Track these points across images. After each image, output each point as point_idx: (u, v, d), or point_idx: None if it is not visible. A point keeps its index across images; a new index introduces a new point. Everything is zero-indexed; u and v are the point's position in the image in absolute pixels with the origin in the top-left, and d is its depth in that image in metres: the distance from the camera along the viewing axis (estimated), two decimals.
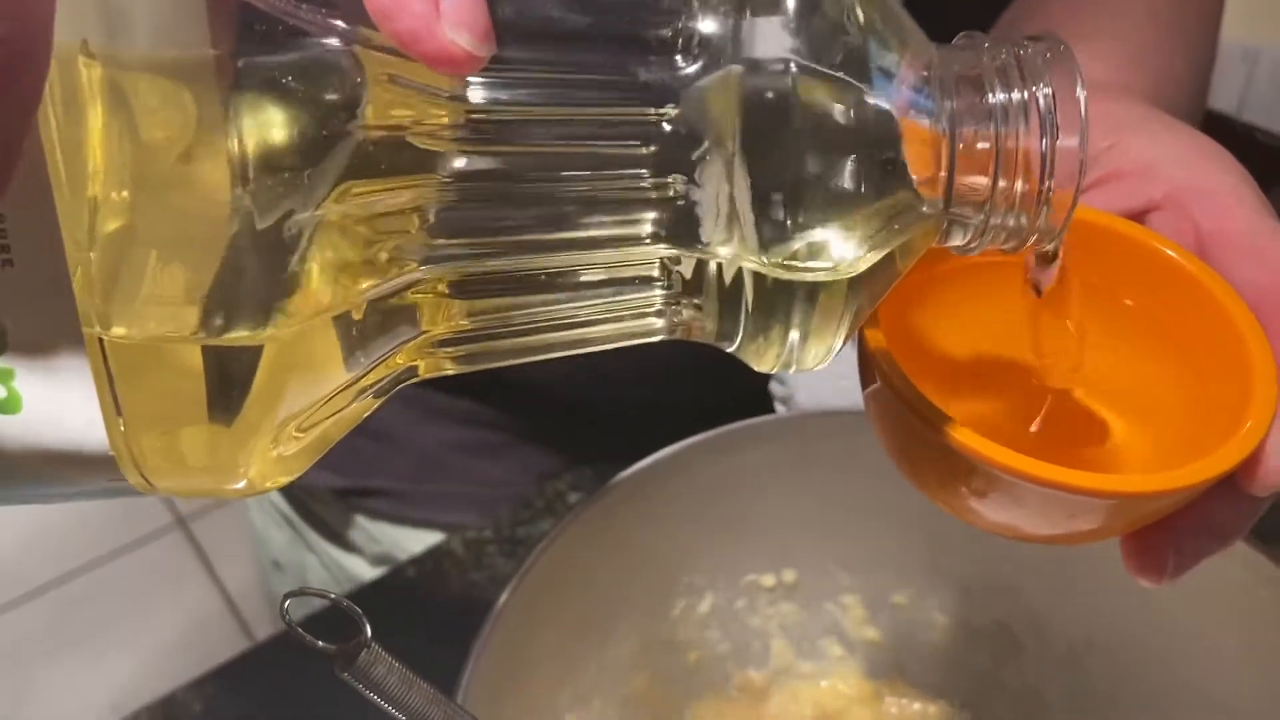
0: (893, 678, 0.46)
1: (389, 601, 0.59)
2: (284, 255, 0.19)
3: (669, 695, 0.45)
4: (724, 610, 0.45)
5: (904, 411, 0.26)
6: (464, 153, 0.20)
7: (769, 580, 0.45)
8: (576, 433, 0.62)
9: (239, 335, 0.19)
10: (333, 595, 0.30)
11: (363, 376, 0.22)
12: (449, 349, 0.23)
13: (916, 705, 0.46)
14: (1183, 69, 0.44)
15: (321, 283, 0.19)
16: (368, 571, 0.65)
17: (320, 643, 0.29)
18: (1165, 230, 0.29)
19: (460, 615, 0.43)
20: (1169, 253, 0.28)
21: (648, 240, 0.22)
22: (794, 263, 0.21)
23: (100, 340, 0.18)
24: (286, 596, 0.29)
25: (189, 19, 0.18)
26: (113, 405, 0.19)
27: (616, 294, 0.23)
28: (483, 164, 0.21)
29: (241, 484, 0.22)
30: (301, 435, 0.22)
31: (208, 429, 0.20)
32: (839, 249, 0.21)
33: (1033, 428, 0.30)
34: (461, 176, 0.20)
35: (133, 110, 0.18)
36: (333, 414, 0.22)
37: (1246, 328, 0.26)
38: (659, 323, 0.24)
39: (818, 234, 0.21)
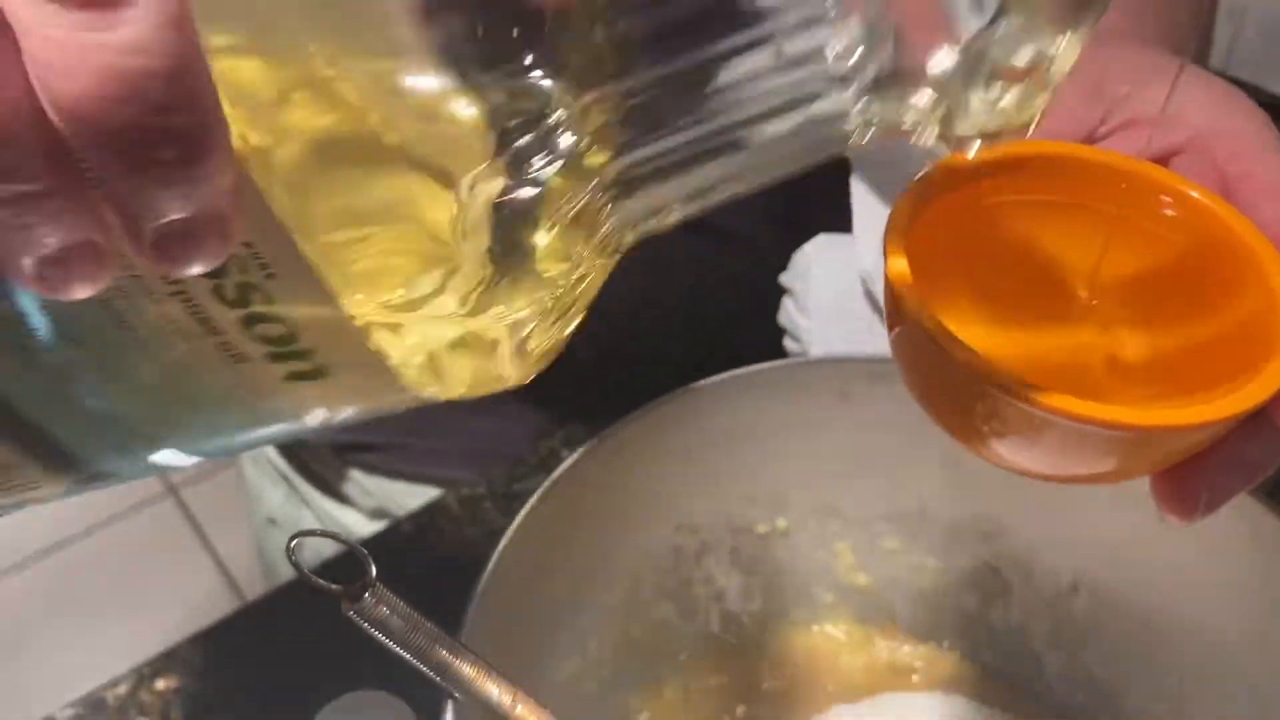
0: (883, 622, 0.47)
1: (385, 557, 0.58)
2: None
3: (663, 640, 0.46)
4: (717, 558, 0.46)
5: (928, 344, 0.26)
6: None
7: (762, 528, 0.46)
8: (570, 391, 0.63)
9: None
10: (339, 535, 0.30)
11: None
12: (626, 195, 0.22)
13: (906, 648, 0.47)
14: (1187, 19, 0.44)
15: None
16: (363, 525, 0.66)
17: (326, 583, 0.30)
18: (1189, 174, 0.29)
19: (456, 571, 0.44)
20: (1193, 194, 0.28)
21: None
22: None
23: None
24: (293, 537, 0.30)
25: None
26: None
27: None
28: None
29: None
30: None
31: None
32: None
33: (1064, 366, 0.30)
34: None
35: None
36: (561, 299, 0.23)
37: (1273, 266, 0.27)
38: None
39: None
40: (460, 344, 0.22)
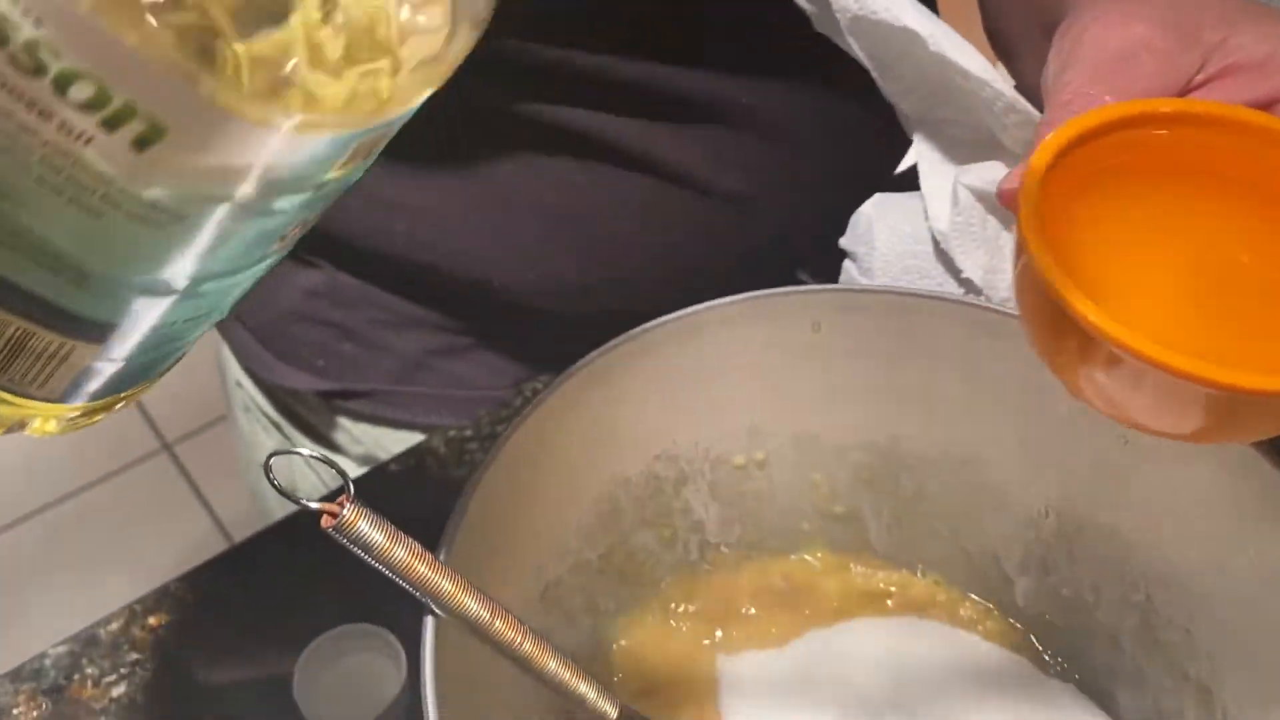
0: (859, 549, 0.48)
1: (372, 497, 0.60)
2: None
3: (644, 568, 0.47)
4: (696, 488, 0.46)
5: (1046, 291, 0.27)
6: None
7: (739, 459, 0.47)
8: (551, 339, 0.64)
9: None
10: (317, 454, 0.31)
11: None
12: None
13: (881, 574, 0.48)
14: None
15: None
16: (352, 471, 0.67)
17: (305, 500, 0.31)
18: None
19: (443, 512, 0.45)
20: None
21: None
22: None
23: None
24: (271, 455, 0.31)
25: None
26: None
27: None
28: None
29: None
30: None
31: None
32: None
33: (1197, 320, 0.30)
34: None
35: None
36: None
37: None
38: None
39: None
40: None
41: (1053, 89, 0.34)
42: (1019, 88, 0.45)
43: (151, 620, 0.53)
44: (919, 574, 0.48)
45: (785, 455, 0.47)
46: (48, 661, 0.52)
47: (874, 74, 0.47)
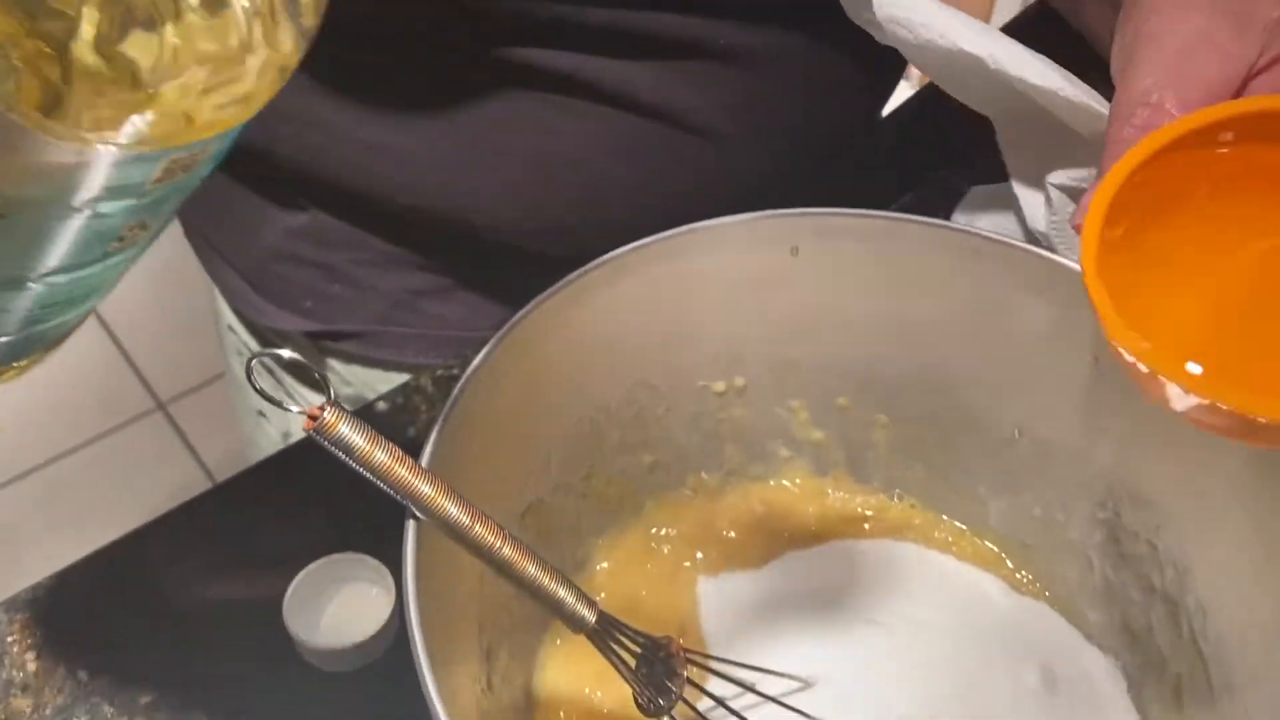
0: (837, 474, 0.49)
1: None
2: None
3: (625, 493, 0.47)
4: (677, 414, 0.47)
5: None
6: None
7: (719, 385, 0.47)
8: (537, 278, 0.64)
9: None
10: (298, 357, 0.32)
11: None
12: None
13: (859, 499, 0.49)
14: None
15: None
16: None
17: (286, 404, 0.32)
18: None
19: None
20: None
21: None
22: None
23: None
24: (252, 357, 0.31)
25: None
26: None
27: None
28: None
29: None
30: None
31: None
32: None
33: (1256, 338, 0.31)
34: None
35: None
36: None
37: None
38: None
39: None
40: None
41: (1118, 96, 0.34)
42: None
43: (141, 552, 0.54)
44: (895, 498, 0.49)
45: (764, 381, 0.48)
46: (40, 591, 0.53)
47: (948, 90, 0.49)
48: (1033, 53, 0.45)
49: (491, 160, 0.57)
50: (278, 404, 0.31)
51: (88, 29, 0.21)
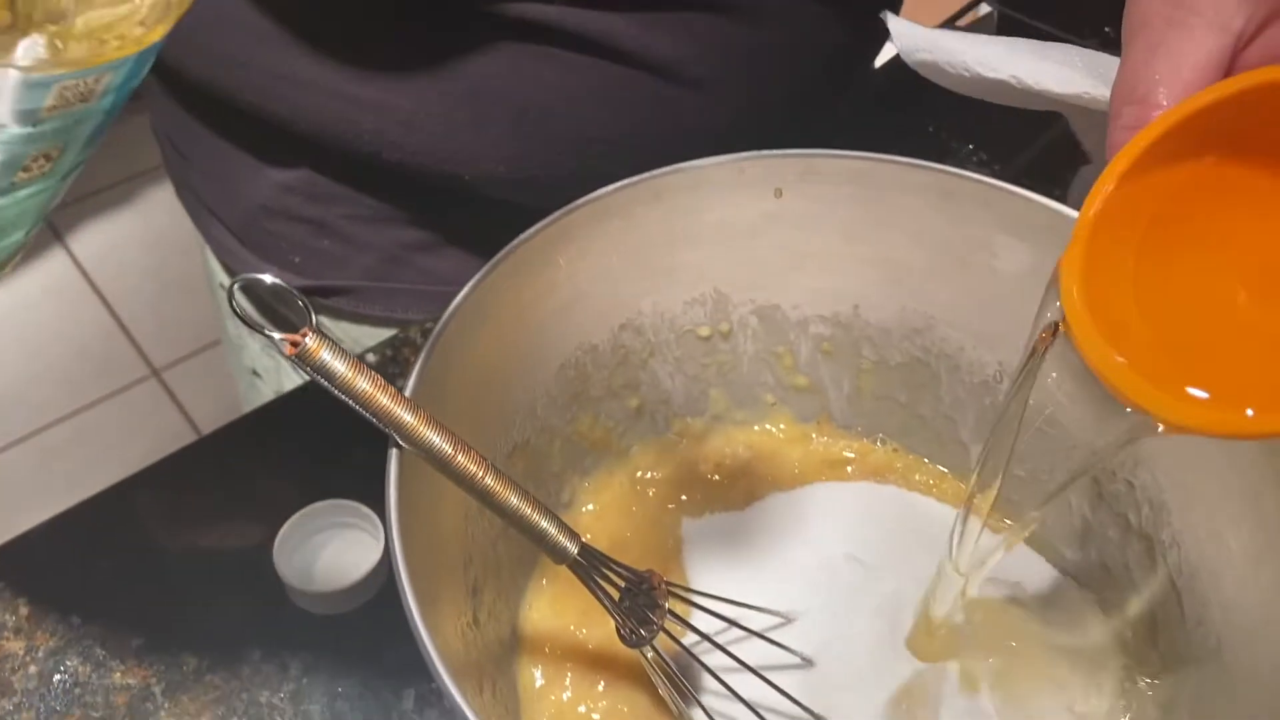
0: (821, 419, 0.50)
1: None
2: None
3: (611, 436, 0.48)
4: (663, 358, 0.48)
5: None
6: None
7: (705, 330, 0.48)
8: (520, 231, 0.65)
9: None
10: (280, 282, 0.32)
11: None
12: None
13: (842, 442, 0.49)
14: None
15: None
16: None
17: (268, 330, 0.32)
18: None
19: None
20: None
21: None
22: None
23: None
24: (233, 283, 0.32)
25: None
26: None
27: None
28: None
29: None
30: None
31: None
32: None
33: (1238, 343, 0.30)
34: None
35: None
36: None
37: None
38: None
39: None
40: None
41: (1111, 96, 0.33)
42: None
43: (132, 501, 0.55)
44: (878, 443, 0.49)
45: (749, 327, 0.48)
46: (32, 538, 0.53)
47: (993, 100, 0.53)
48: (1052, 53, 0.47)
49: (477, 112, 0.57)
50: (259, 330, 0.31)
51: None
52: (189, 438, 1.36)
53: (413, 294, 0.66)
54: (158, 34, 0.26)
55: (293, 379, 0.71)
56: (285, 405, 0.60)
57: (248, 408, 0.79)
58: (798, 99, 0.61)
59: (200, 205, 0.68)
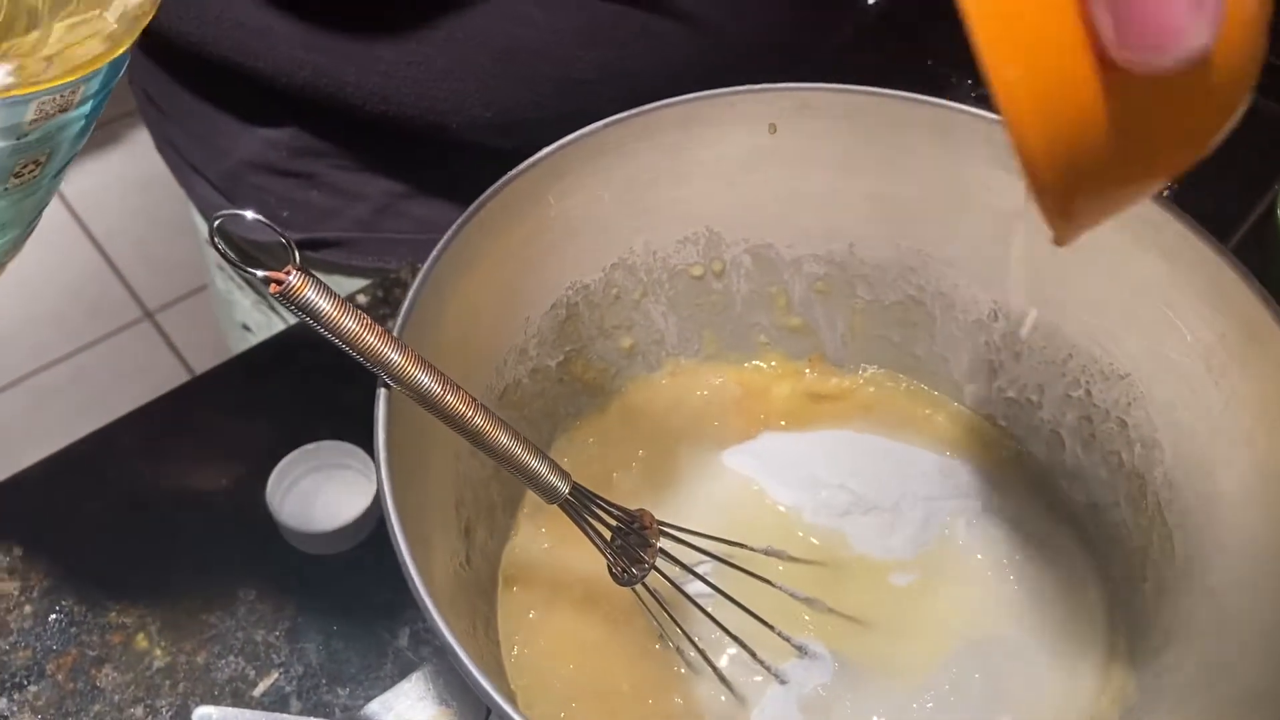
0: (813, 358, 0.49)
1: None
2: None
3: (604, 377, 0.48)
4: (655, 297, 0.47)
5: None
6: None
7: (697, 270, 0.47)
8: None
9: None
10: (261, 218, 0.31)
11: None
12: None
13: (834, 380, 0.49)
14: None
15: None
16: None
17: (250, 270, 0.31)
18: None
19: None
20: None
21: None
22: None
23: None
24: (216, 218, 0.31)
25: None
26: None
27: None
28: None
29: None
30: None
31: None
32: None
33: None
34: None
35: None
36: None
37: None
38: None
39: None
40: None
41: None
42: None
43: (125, 441, 0.55)
44: (870, 378, 0.49)
45: (743, 266, 0.47)
46: (24, 479, 0.53)
47: None
48: None
49: (460, 60, 0.56)
50: (242, 268, 0.31)
51: None
52: (183, 380, 1.36)
53: (406, 243, 0.65)
54: (125, 45, 0.27)
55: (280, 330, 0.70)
56: (276, 347, 0.59)
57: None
58: (789, 33, 0.60)
59: (182, 161, 0.67)
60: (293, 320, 0.70)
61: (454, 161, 0.63)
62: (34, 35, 0.26)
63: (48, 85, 0.26)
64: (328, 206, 0.64)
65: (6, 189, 0.29)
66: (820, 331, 0.49)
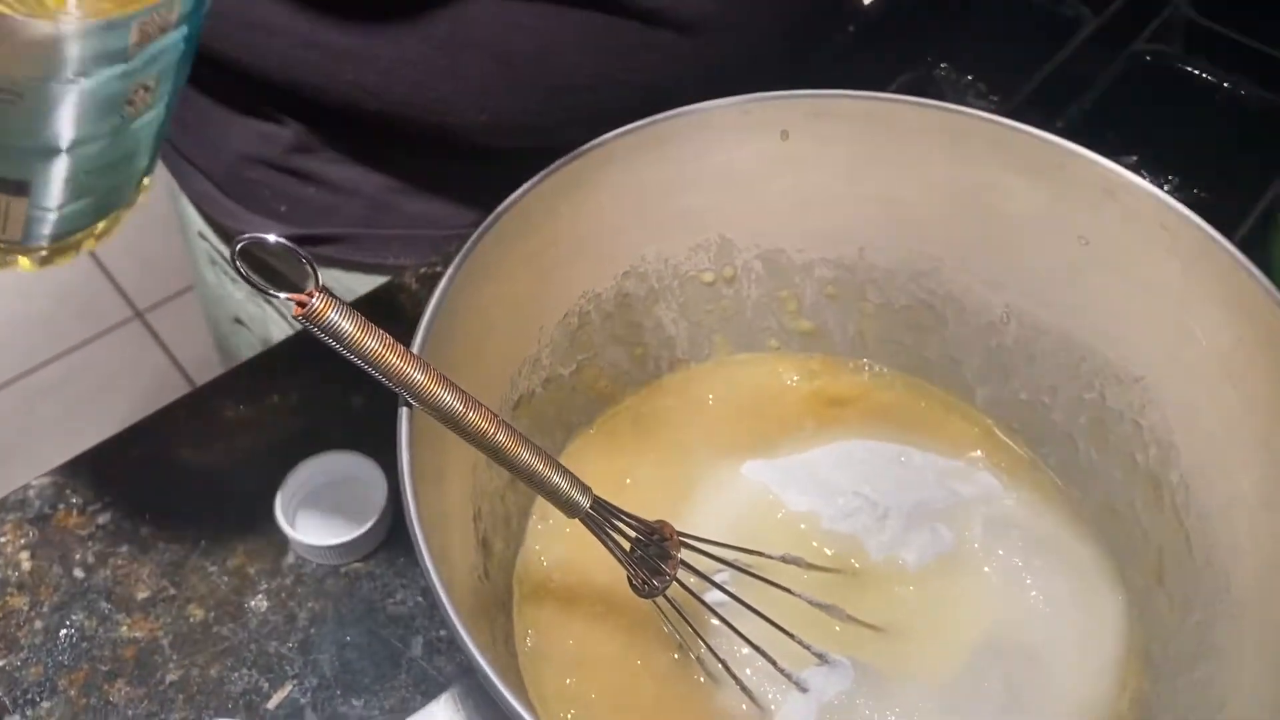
0: (824, 362, 0.49)
1: None
2: None
3: (615, 385, 0.48)
4: (666, 304, 0.47)
5: None
6: None
7: (708, 275, 0.47)
8: (516, 172, 0.63)
9: None
10: (285, 241, 0.31)
11: None
12: None
13: (845, 383, 0.49)
14: None
15: None
16: None
17: (273, 292, 0.31)
18: None
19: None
20: None
21: None
22: None
23: None
24: (236, 241, 0.31)
25: None
26: None
27: None
28: None
29: None
30: None
31: None
32: None
33: None
34: None
35: None
36: None
37: None
38: None
39: None
40: None
41: None
42: None
43: (133, 452, 0.54)
44: (882, 382, 0.49)
45: (753, 271, 0.47)
46: (31, 492, 0.53)
47: None
48: None
49: (457, 60, 0.56)
50: (264, 291, 0.31)
51: None
52: (175, 379, 1.35)
53: (404, 239, 0.65)
54: None
55: (280, 325, 0.70)
56: (281, 354, 0.59)
57: (227, 355, 0.78)
58: (786, 39, 0.60)
59: (175, 154, 0.66)
60: (288, 313, 0.69)
61: (452, 159, 0.62)
62: None
63: (144, 4, 0.27)
64: (326, 202, 0.64)
65: (124, 117, 0.30)
66: (831, 335, 0.49)
